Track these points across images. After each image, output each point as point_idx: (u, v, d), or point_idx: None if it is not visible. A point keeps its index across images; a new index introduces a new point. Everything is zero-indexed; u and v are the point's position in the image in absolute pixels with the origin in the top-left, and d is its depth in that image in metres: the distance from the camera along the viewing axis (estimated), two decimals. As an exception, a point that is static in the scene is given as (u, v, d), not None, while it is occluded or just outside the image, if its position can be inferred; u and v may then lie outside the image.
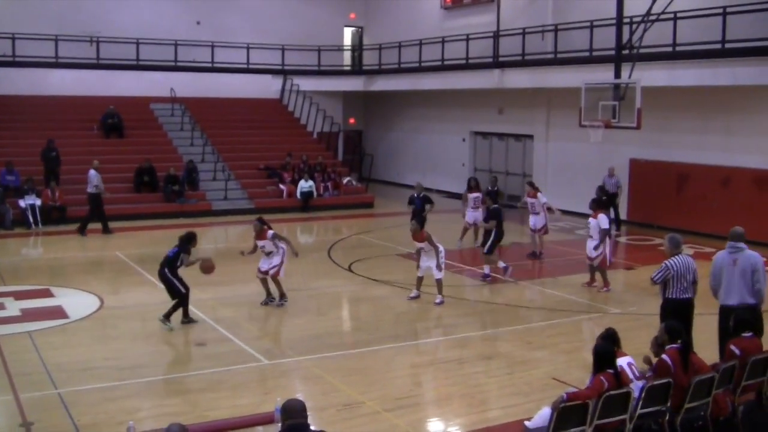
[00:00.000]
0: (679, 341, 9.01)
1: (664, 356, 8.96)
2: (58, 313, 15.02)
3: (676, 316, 10.89)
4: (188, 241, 14.79)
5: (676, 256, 11.26)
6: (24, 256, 22.00)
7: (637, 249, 22.94)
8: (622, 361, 8.76)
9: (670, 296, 11.25)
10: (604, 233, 17.04)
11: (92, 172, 24.02)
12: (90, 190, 23.94)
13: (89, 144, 29.52)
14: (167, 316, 14.02)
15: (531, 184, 21.49)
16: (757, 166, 22.93)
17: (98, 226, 24.07)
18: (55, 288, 16.96)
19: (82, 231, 23.67)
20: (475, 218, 21.66)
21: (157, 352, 12.77)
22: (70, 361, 12.24)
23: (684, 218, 24.05)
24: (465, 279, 18.63)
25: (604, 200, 18.62)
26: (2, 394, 10.80)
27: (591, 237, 17.29)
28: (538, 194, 20.57)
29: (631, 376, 8.73)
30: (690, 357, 8.97)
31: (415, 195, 21.72)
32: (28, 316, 14.74)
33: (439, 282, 16.08)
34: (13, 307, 15.31)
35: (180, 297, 14.24)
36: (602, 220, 17.07)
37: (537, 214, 20.45)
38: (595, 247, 17.03)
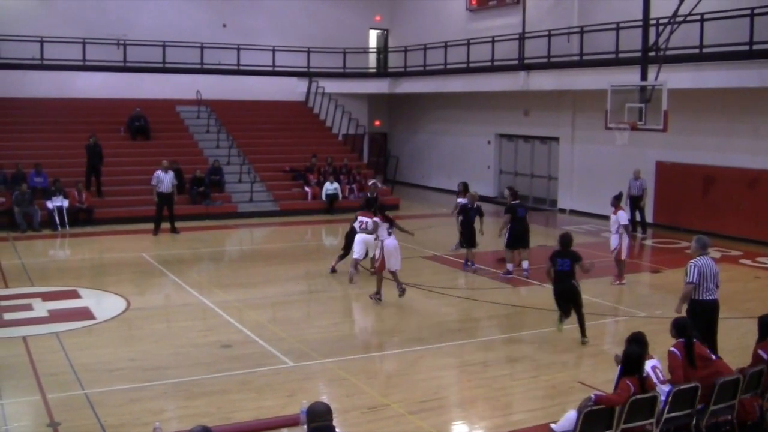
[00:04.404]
0: (685, 337, 9.17)
1: (672, 349, 9.11)
2: (85, 314, 15.13)
3: (703, 318, 11.03)
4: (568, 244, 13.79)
5: (701, 257, 11.29)
6: (51, 257, 22.17)
7: (663, 252, 22.80)
8: (647, 365, 8.72)
9: (696, 298, 11.24)
10: (625, 228, 17.90)
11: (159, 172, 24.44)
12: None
13: (116, 146, 29.65)
14: (583, 333, 13.61)
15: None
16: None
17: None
18: (82, 289, 17.08)
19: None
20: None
21: (182, 354, 12.81)
22: (97, 361, 12.32)
23: (710, 221, 23.89)
24: (489, 281, 18.57)
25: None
26: (30, 395, 10.88)
27: (612, 233, 18.16)
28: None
29: (655, 380, 8.68)
30: (695, 351, 8.98)
31: (468, 205, 19.72)
32: (55, 317, 14.85)
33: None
34: (41, 308, 15.43)
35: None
36: (621, 216, 17.92)
37: None
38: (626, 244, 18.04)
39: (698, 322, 10.89)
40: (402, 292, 16.31)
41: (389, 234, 16.38)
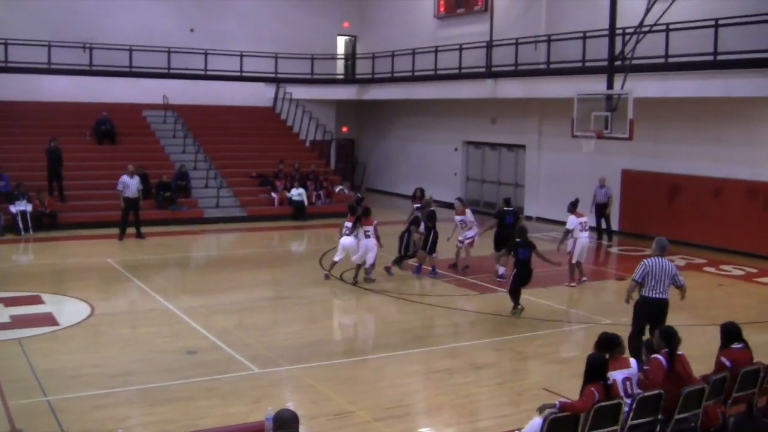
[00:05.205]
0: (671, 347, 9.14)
1: (658, 356, 9.04)
2: (48, 319, 14.96)
3: (648, 313, 11.93)
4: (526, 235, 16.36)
5: (654, 258, 12.00)
6: (15, 262, 21.91)
7: (628, 259, 22.90)
8: (617, 375, 8.69)
9: (644, 294, 12.02)
10: (565, 233, 18.88)
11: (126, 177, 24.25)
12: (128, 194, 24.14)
13: (82, 150, 29.43)
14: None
15: (461, 201, 21.46)
16: (749, 178, 23.01)
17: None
18: (45, 295, 16.88)
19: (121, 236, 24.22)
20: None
21: (147, 360, 12.71)
22: (60, 368, 12.19)
23: (675, 229, 24.07)
24: (455, 289, 18.61)
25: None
26: (-9, 401, 10.75)
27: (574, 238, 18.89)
28: (467, 211, 20.69)
29: (621, 392, 8.64)
30: (677, 364, 9.01)
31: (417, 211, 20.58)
32: (17, 322, 14.66)
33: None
34: (3, 314, 15.23)
35: None
36: (569, 221, 18.82)
37: (470, 228, 20.42)
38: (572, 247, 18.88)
39: (642, 316, 12.05)
40: (354, 283, 18.38)
41: (366, 236, 18.17)
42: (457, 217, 20.53)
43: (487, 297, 17.79)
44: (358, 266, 18.48)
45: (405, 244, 19.76)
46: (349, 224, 18.67)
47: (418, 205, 21.01)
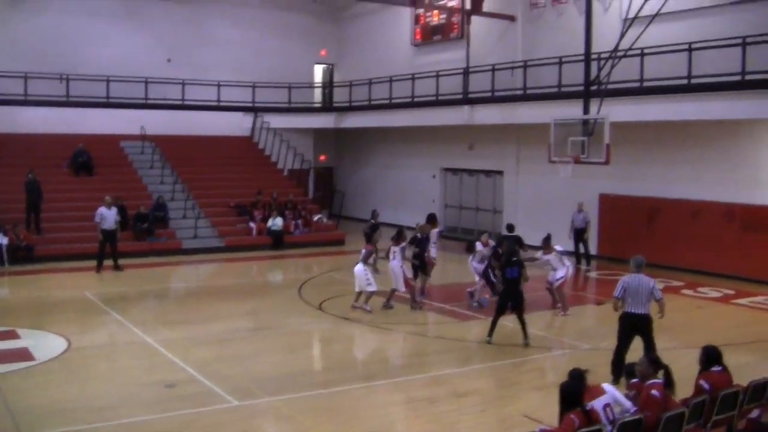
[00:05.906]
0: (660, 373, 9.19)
1: (653, 392, 8.92)
2: (24, 355, 14.75)
3: (629, 328, 12.55)
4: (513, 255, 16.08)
5: (632, 275, 12.57)
6: (-10, 296, 21.72)
7: (607, 284, 22.90)
8: (596, 404, 8.61)
9: (625, 310, 12.64)
10: (560, 255, 18.62)
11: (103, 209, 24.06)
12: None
13: (59, 182, 29.27)
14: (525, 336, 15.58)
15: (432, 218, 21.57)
16: (725, 200, 23.16)
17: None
18: (21, 329, 16.64)
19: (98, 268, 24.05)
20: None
21: (125, 394, 12.55)
22: (37, 404, 12.01)
23: (654, 252, 24.05)
24: (436, 317, 18.57)
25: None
26: (-34, 440, 10.59)
27: (555, 269, 18.61)
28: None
29: (604, 419, 8.57)
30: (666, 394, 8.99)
31: (419, 235, 20.15)
32: (-7, 358, 14.48)
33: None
34: (-22, 350, 15.06)
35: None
36: (558, 248, 18.73)
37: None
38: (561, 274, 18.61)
39: (623, 330, 12.70)
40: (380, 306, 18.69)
41: (393, 257, 18.66)
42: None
43: (468, 324, 17.75)
44: (392, 290, 18.83)
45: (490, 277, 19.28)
46: (365, 251, 18.77)
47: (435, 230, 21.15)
